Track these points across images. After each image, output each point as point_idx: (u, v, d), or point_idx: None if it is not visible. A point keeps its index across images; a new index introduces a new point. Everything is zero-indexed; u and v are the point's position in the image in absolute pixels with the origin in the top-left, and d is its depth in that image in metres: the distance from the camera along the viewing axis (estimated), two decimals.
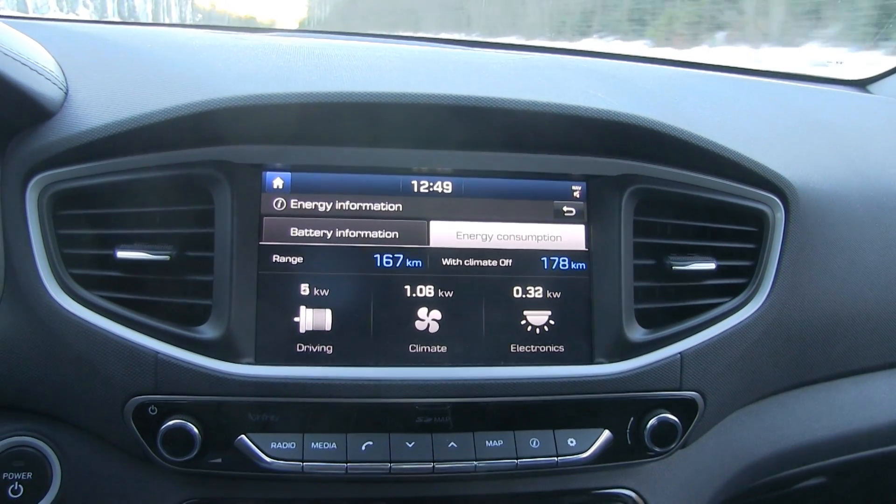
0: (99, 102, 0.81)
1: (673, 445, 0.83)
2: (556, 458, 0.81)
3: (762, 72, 1.38)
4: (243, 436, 0.78)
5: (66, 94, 0.81)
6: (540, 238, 0.85)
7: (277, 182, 0.82)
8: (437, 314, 0.82)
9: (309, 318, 0.81)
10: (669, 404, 0.83)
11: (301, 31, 1.17)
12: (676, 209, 0.87)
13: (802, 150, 0.98)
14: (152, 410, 0.77)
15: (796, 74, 1.40)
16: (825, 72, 1.42)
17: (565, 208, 0.86)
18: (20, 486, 0.80)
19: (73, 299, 0.78)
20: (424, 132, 0.83)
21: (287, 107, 0.77)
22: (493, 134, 0.84)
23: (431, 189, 0.84)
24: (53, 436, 0.82)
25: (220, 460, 0.78)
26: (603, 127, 0.83)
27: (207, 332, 0.79)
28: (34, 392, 0.81)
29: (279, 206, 0.82)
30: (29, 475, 0.81)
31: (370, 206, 0.83)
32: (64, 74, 0.83)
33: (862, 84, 1.35)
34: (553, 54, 1.23)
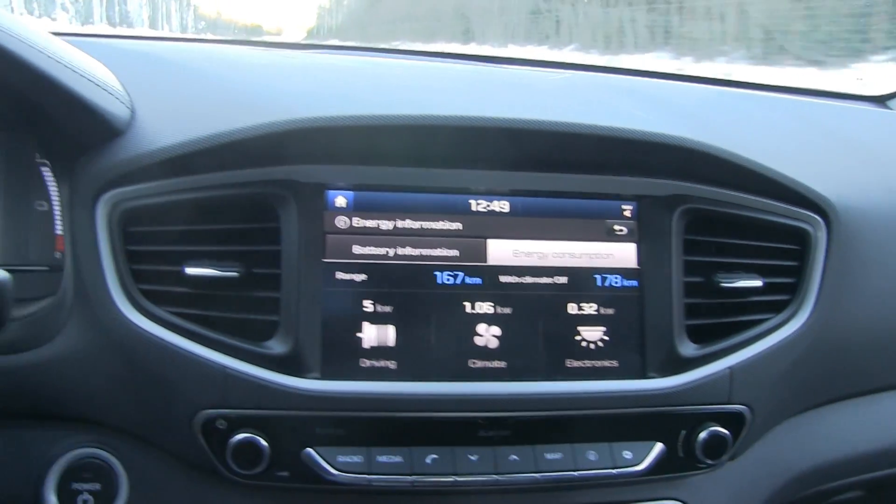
0: (166, 121, 0.83)
1: (723, 457, 0.86)
2: (613, 471, 0.83)
3: (782, 87, 1.42)
4: (311, 449, 0.80)
5: (133, 112, 0.83)
6: (593, 256, 0.88)
7: (340, 201, 0.84)
8: (496, 330, 0.84)
9: (373, 334, 0.83)
10: (719, 417, 0.86)
11: (345, 47, 1.19)
12: (723, 228, 0.90)
13: (835, 168, 1.01)
14: (221, 424, 0.79)
15: (816, 90, 1.44)
16: (844, 87, 1.45)
17: (617, 227, 0.89)
18: (89, 496, 0.82)
19: (143, 315, 0.80)
20: (483, 153, 0.86)
21: (361, 129, 0.79)
22: (549, 155, 0.87)
23: (489, 208, 0.86)
24: (121, 448, 0.83)
25: (287, 473, 0.80)
26: (655, 150, 0.86)
27: (275, 347, 0.81)
28: (103, 405, 0.82)
29: (342, 224, 0.84)
30: (97, 486, 0.82)
31: (431, 225, 0.85)
32: (127, 92, 0.85)
33: (881, 100, 1.38)
34: (584, 71, 1.26)
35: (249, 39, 1.30)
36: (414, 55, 1.22)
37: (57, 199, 0.87)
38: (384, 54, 1.21)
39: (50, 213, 0.89)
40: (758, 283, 0.88)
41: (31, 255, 0.89)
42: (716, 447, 0.85)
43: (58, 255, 0.88)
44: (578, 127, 0.82)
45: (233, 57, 1.07)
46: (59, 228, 0.89)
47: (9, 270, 0.89)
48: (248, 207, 0.83)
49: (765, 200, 0.90)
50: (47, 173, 0.88)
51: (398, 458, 0.80)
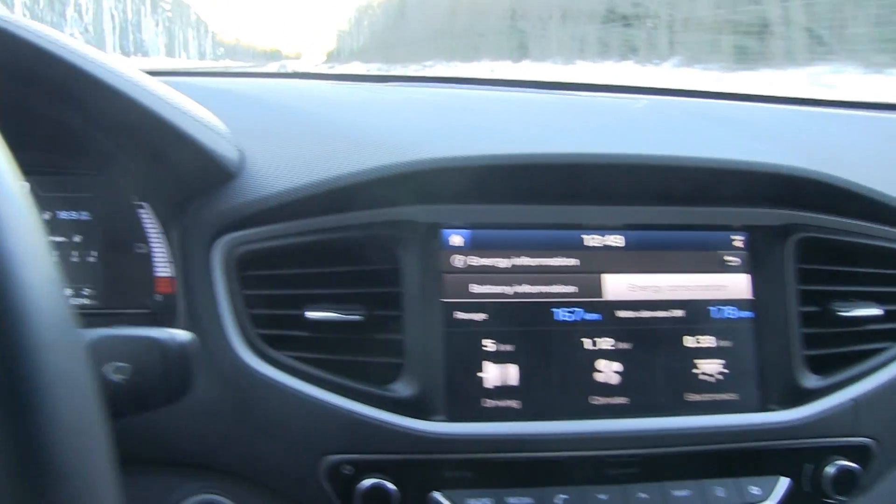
0: (276, 163, 0.82)
1: (851, 493, 0.84)
2: None
3: (853, 103, 1.40)
4: (438, 493, 0.79)
5: (242, 154, 0.82)
6: (707, 288, 0.87)
7: (456, 240, 0.84)
8: (615, 366, 0.84)
9: (495, 374, 0.82)
10: (845, 450, 0.84)
11: (423, 79, 1.20)
12: (837, 255, 0.89)
13: None
14: (347, 470, 0.78)
15: (884, 104, 1.42)
16: None
17: (729, 258, 0.88)
18: None
19: (263, 360, 0.79)
20: (597, 188, 0.85)
21: (481, 168, 0.79)
22: (661, 189, 0.86)
23: (603, 243, 0.86)
24: (242, 495, 0.82)
25: None
26: (770, 181, 0.85)
27: (401, 390, 0.80)
28: (223, 451, 0.81)
29: (459, 263, 0.83)
30: None
31: (547, 262, 0.85)
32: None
33: None
34: (659, 96, 1.25)
35: (324, 73, 1.31)
36: (486, 84, 1.22)
37: (159, 242, 0.87)
38: (459, 84, 1.21)
39: (148, 255, 0.89)
40: (877, 311, 0.87)
41: (131, 298, 0.89)
42: (845, 482, 0.83)
43: (158, 297, 0.88)
44: (699, 161, 0.82)
45: (319, 92, 1.07)
46: (159, 271, 0.89)
47: (109, 314, 0.89)
48: (367, 249, 0.82)
49: (877, 226, 0.89)
50: (146, 216, 0.88)
51: (528, 500, 0.79)
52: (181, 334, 0.53)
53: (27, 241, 0.35)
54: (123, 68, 0.73)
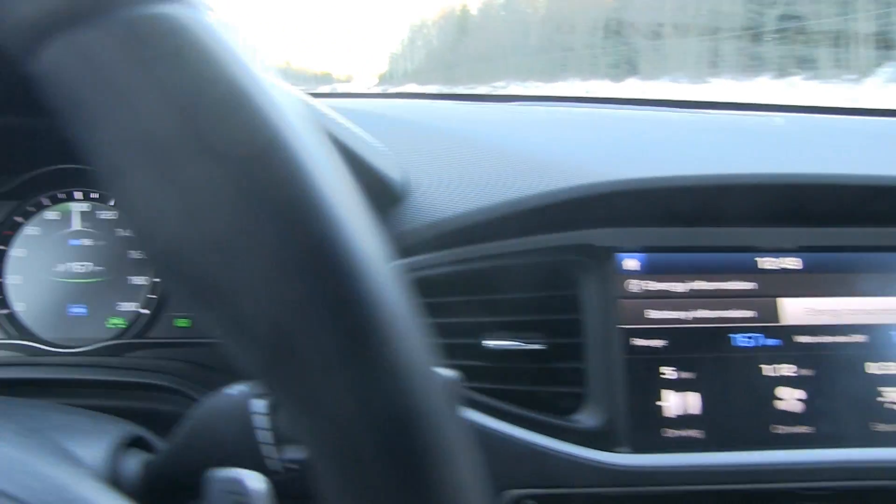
0: (445, 186, 0.81)
1: None
2: None
3: None
4: None
5: (407, 176, 0.81)
6: (889, 312, 0.84)
7: (631, 264, 0.82)
8: (798, 393, 0.80)
9: (675, 402, 0.79)
10: None
11: (566, 98, 1.18)
12: None
13: None
14: None
15: None
16: None
17: None
18: None
19: None
20: (773, 209, 0.83)
21: (660, 190, 0.77)
22: (837, 209, 0.83)
23: (781, 266, 0.83)
24: None
25: None
26: None
27: (585, 421, 0.77)
28: None
29: (635, 287, 0.81)
30: None
31: (723, 286, 0.82)
32: None
33: None
34: (795, 113, 1.22)
35: (455, 93, 1.30)
36: (617, 104, 1.20)
37: None
38: (593, 104, 1.19)
39: None
40: None
41: None
42: None
43: None
44: (886, 179, 0.79)
45: (463, 113, 1.06)
46: None
47: None
48: (543, 274, 0.80)
49: None
50: None
51: None
52: (446, 372, 0.51)
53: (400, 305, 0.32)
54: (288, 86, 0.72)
